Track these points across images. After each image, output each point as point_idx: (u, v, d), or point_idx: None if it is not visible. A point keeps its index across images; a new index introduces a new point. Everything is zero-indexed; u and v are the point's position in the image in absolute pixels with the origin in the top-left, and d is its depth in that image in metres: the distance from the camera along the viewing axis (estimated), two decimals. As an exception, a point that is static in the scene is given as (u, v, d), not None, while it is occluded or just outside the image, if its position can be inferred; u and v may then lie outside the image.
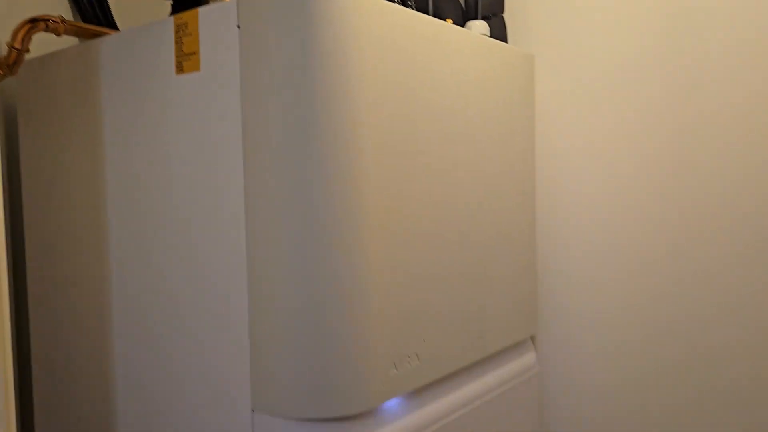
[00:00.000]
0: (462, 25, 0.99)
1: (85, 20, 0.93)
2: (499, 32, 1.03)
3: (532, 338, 1.02)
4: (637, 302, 0.98)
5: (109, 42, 0.75)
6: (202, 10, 0.66)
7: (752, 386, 0.91)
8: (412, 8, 0.88)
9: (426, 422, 0.75)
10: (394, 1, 0.86)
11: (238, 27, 0.63)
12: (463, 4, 1.03)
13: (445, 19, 0.84)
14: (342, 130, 0.61)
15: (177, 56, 0.67)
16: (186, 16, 0.66)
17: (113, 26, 0.95)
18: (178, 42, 0.66)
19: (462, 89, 0.78)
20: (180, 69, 0.67)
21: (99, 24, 0.93)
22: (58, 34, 0.81)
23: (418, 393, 0.75)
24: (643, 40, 0.96)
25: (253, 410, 0.67)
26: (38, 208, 0.85)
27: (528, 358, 0.97)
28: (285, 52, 0.61)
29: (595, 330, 1.02)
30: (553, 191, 1.03)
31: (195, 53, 0.64)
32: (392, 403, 0.71)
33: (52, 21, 0.79)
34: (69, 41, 0.92)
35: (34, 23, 0.77)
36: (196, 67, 0.65)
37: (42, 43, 0.87)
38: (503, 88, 0.87)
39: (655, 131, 0.95)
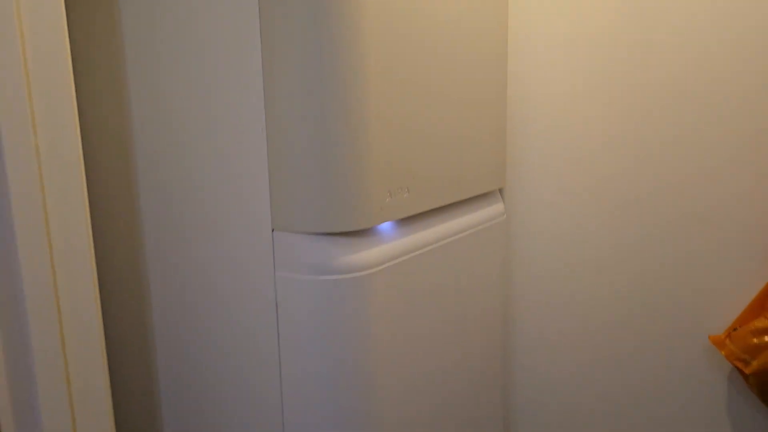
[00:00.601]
0: None
1: None
2: None
3: (501, 191, 1.17)
4: (599, 170, 1.14)
5: None
6: None
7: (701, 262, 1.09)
8: None
9: (411, 248, 0.90)
10: None
11: None
12: None
13: None
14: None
15: None
16: None
17: None
18: None
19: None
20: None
21: None
22: None
23: (407, 222, 0.90)
24: None
25: (273, 229, 0.81)
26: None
27: (496, 207, 1.13)
28: None
29: (556, 188, 1.18)
30: (524, 70, 1.15)
31: None
32: (386, 226, 0.86)
33: None
34: None
35: None
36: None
37: None
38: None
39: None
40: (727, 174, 1.05)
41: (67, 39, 0.62)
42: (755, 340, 0.99)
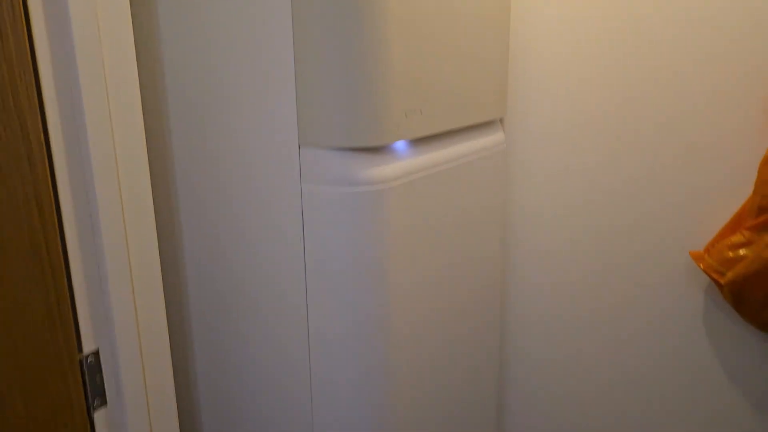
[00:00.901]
0: None
1: None
2: None
3: (501, 121, 1.26)
4: (594, 105, 1.22)
5: None
6: None
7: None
8: None
9: (423, 167, 0.98)
10: None
11: None
12: None
13: None
14: None
15: None
16: None
17: None
18: None
19: None
20: None
21: None
22: None
23: (419, 143, 0.98)
24: None
25: (299, 145, 0.89)
26: None
27: (497, 136, 1.21)
28: None
29: (553, 120, 1.26)
30: (527, 5, 1.22)
31: None
32: (401, 144, 0.94)
33: None
34: None
35: None
36: None
37: None
38: None
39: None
40: (713, 108, 1.13)
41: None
42: (730, 254, 1.10)
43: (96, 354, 0.71)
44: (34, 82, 0.57)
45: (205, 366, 1.08)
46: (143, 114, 0.96)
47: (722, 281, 1.10)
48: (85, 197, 0.64)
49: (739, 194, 1.14)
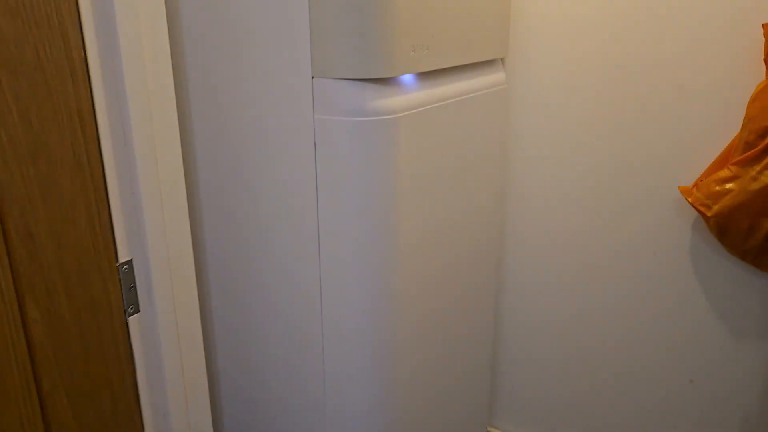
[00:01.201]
0: None
1: None
2: None
3: (503, 61, 1.30)
4: (592, 47, 1.26)
5: None
6: None
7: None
8: None
9: (428, 100, 1.03)
10: None
11: None
12: None
13: None
14: None
15: None
16: None
17: None
18: None
19: None
20: None
21: None
22: None
23: (425, 77, 1.03)
24: None
25: (312, 77, 0.93)
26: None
27: (499, 75, 1.26)
28: None
29: (553, 61, 1.30)
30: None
31: None
32: (408, 78, 0.99)
33: None
34: None
35: None
36: None
37: None
38: None
39: None
40: (704, 48, 1.18)
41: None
42: (717, 188, 1.16)
43: (130, 263, 0.77)
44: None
45: (217, 288, 1.15)
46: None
47: (709, 214, 1.17)
48: (119, 112, 0.69)
49: (728, 132, 1.19)
